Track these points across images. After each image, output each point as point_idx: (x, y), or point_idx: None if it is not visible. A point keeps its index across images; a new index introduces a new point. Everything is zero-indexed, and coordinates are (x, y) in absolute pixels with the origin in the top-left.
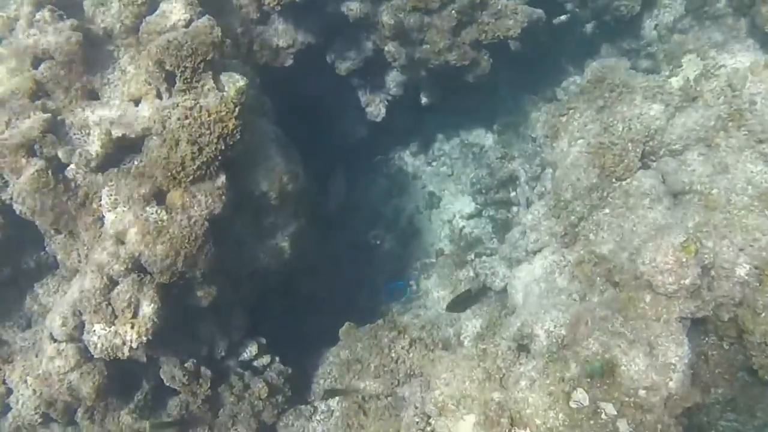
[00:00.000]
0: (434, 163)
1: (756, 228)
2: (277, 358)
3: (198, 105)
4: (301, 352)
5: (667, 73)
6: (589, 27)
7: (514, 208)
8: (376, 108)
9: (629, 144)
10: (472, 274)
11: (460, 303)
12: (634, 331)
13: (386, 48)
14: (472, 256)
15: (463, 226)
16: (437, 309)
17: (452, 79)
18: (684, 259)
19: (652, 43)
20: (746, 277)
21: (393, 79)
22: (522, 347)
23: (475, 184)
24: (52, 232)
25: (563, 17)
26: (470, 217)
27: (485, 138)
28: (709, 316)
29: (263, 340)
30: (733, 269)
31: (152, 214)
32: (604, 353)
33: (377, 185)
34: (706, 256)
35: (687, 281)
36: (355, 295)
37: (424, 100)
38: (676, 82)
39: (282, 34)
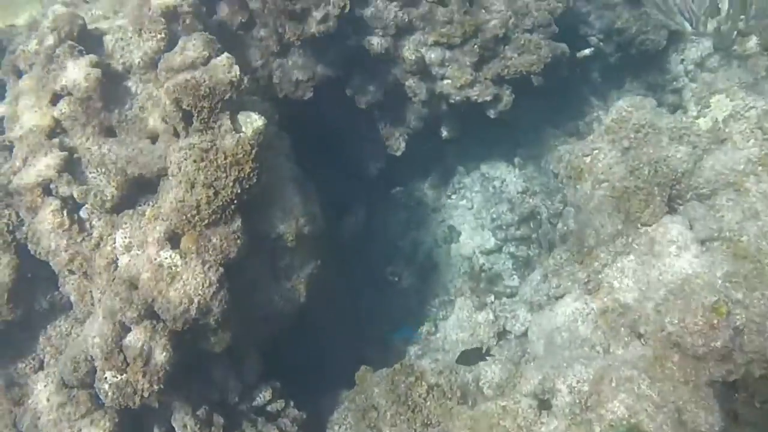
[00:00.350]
0: (454, 196)
1: None
2: (292, 403)
3: (214, 147)
4: (317, 390)
5: (694, 114)
6: (613, 60)
7: (535, 247)
8: (395, 142)
9: (656, 188)
10: (491, 317)
11: (471, 358)
12: (661, 394)
13: (407, 83)
14: (492, 299)
15: (483, 264)
16: (455, 352)
17: (474, 113)
18: (715, 321)
19: (678, 78)
20: None
21: (413, 112)
22: (543, 403)
23: (495, 220)
24: (66, 272)
25: (587, 51)
26: (490, 252)
27: (506, 171)
28: None
29: (277, 384)
30: (765, 323)
31: (166, 258)
32: (630, 418)
33: (396, 217)
34: (737, 317)
35: (718, 344)
36: (371, 330)
37: (444, 133)
38: (704, 123)
39: (302, 67)
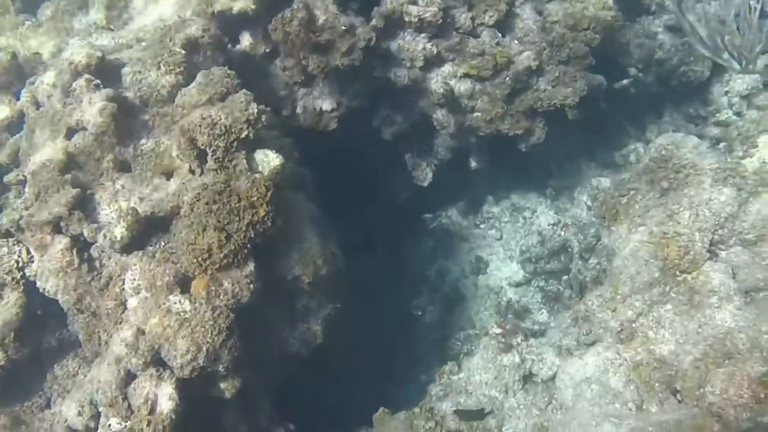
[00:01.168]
0: (482, 226)
1: None
2: None
3: (228, 189)
4: (334, 429)
5: (740, 154)
6: (653, 90)
7: (565, 280)
8: (422, 172)
9: (696, 234)
10: (518, 360)
11: (471, 416)
12: None
13: (434, 115)
14: (519, 340)
15: (510, 299)
16: (478, 395)
17: (504, 144)
18: (763, 395)
19: (721, 110)
20: None
21: (441, 143)
22: None
23: (524, 252)
24: (75, 311)
25: (625, 81)
26: (518, 285)
27: (538, 202)
28: None
29: (291, 426)
30: None
31: (175, 303)
32: None
33: (423, 245)
34: None
35: (766, 419)
36: (393, 367)
37: (473, 164)
38: (750, 164)
39: (327, 98)
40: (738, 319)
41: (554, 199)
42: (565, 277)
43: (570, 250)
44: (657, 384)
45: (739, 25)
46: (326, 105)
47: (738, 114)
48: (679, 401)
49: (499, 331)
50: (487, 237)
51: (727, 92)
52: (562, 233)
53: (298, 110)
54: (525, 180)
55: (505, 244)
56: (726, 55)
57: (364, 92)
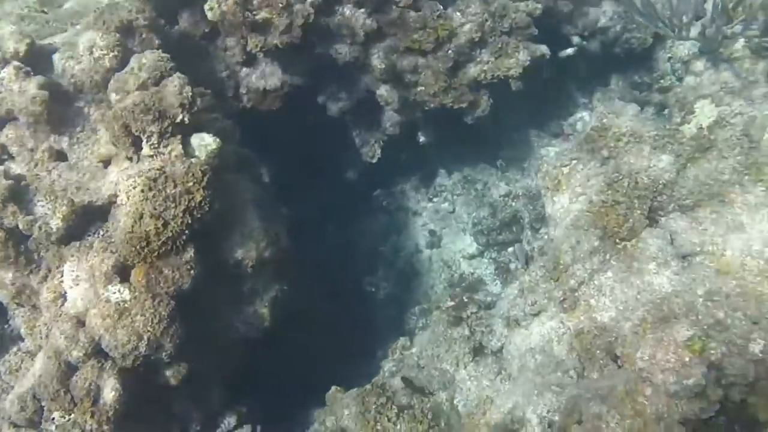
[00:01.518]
0: (435, 199)
1: None
2: (259, 428)
3: (164, 175)
4: (293, 410)
5: (678, 120)
6: (598, 58)
7: (511, 252)
8: (370, 149)
9: (635, 201)
10: (467, 332)
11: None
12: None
13: (378, 91)
14: (468, 313)
15: (463, 272)
16: (430, 369)
17: (450, 119)
18: (687, 359)
19: (665, 77)
20: (761, 355)
21: (388, 119)
22: None
23: (476, 224)
24: (14, 305)
25: (570, 51)
26: (472, 257)
27: (488, 174)
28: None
29: (243, 409)
30: (747, 345)
31: (114, 293)
32: None
33: (377, 222)
34: (713, 351)
35: (690, 382)
36: (349, 343)
37: (422, 139)
38: (688, 130)
39: (269, 77)
40: (675, 284)
41: (505, 170)
42: (510, 249)
43: (521, 220)
44: (598, 351)
45: None
46: (269, 84)
47: (680, 80)
48: (619, 367)
49: (450, 304)
50: (440, 210)
51: (670, 58)
52: (513, 204)
53: (242, 90)
54: (476, 152)
55: (457, 217)
56: (660, 24)
57: (307, 69)
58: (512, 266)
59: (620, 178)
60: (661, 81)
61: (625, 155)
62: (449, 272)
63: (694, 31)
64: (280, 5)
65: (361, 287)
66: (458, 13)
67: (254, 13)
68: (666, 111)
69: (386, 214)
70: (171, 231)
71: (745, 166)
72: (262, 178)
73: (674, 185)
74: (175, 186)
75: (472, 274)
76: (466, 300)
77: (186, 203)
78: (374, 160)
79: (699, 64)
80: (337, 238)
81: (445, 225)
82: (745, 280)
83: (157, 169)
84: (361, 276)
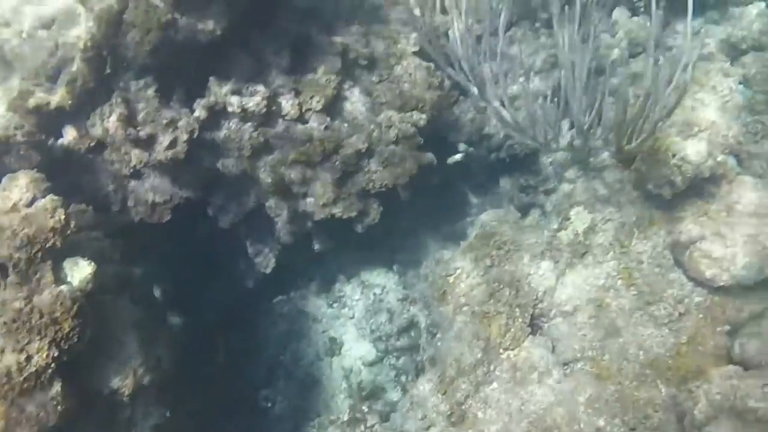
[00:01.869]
0: (335, 305)
1: (647, 403)
2: None
3: (29, 305)
4: None
5: (555, 227)
6: (490, 161)
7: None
8: (264, 259)
9: (517, 310)
10: None
11: None
12: None
13: (267, 203)
14: (363, 428)
15: (361, 380)
16: None
17: (342, 228)
18: None
19: (548, 180)
20: None
21: (281, 228)
22: None
23: (374, 331)
24: None
25: (458, 156)
26: (372, 364)
27: (386, 277)
28: None
29: None
30: None
31: None
32: None
33: (276, 329)
34: None
35: None
36: None
37: (317, 246)
38: (565, 236)
39: (158, 189)
40: (557, 393)
41: (402, 274)
42: (401, 359)
43: (418, 324)
44: None
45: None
46: (158, 197)
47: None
48: None
49: (345, 419)
50: (341, 316)
51: (551, 162)
52: (411, 309)
53: (130, 203)
54: (372, 257)
55: (357, 323)
56: (528, 139)
57: (196, 183)
58: (402, 378)
59: (501, 288)
60: (546, 183)
61: (506, 263)
62: (349, 381)
63: (563, 141)
64: (165, 122)
65: (256, 403)
66: (346, 125)
67: (138, 129)
68: (541, 224)
69: (286, 322)
70: (35, 366)
71: (617, 271)
72: (148, 296)
73: (554, 291)
74: (42, 316)
75: (373, 381)
76: (364, 411)
77: (53, 335)
78: (268, 271)
79: (572, 172)
80: (235, 347)
81: (345, 331)
82: (622, 385)
83: (24, 299)
84: (258, 389)
